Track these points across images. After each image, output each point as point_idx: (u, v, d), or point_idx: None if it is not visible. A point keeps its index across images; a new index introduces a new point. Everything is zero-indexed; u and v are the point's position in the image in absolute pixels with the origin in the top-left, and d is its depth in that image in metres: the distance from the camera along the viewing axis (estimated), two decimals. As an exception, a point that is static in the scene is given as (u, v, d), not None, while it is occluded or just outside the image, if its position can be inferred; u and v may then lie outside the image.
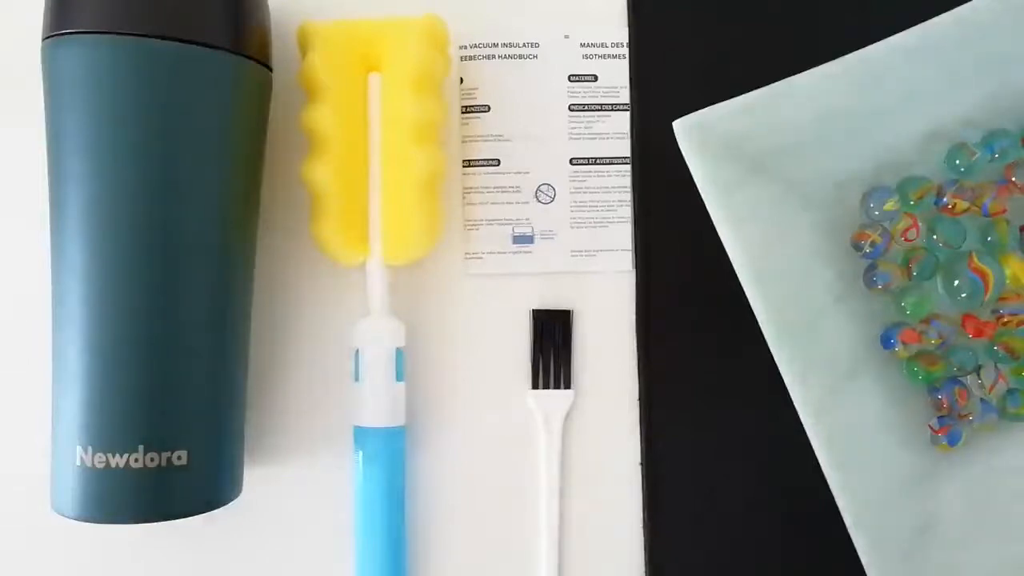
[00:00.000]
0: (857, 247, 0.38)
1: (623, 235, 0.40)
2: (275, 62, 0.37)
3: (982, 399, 0.37)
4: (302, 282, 0.39)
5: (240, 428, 0.36)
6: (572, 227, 0.40)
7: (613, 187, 0.40)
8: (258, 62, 0.35)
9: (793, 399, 0.35)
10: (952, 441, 0.36)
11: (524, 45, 0.40)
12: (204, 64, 0.33)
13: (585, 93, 0.40)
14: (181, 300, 0.33)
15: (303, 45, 0.37)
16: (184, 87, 0.33)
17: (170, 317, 0.33)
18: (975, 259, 0.36)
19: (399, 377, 0.37)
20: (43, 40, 0.33)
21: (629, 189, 0.40)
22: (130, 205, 0.32)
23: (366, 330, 0.37)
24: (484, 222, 0.40)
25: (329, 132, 0.36)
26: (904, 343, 0.36)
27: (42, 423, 0.34)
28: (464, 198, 0.40)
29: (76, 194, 0.32)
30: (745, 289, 0.35)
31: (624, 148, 0.40)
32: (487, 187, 0.40)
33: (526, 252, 0.40)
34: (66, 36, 0.32)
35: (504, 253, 0.40)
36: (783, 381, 0.35)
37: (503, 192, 0.40)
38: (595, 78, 0.40)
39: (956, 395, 0.36)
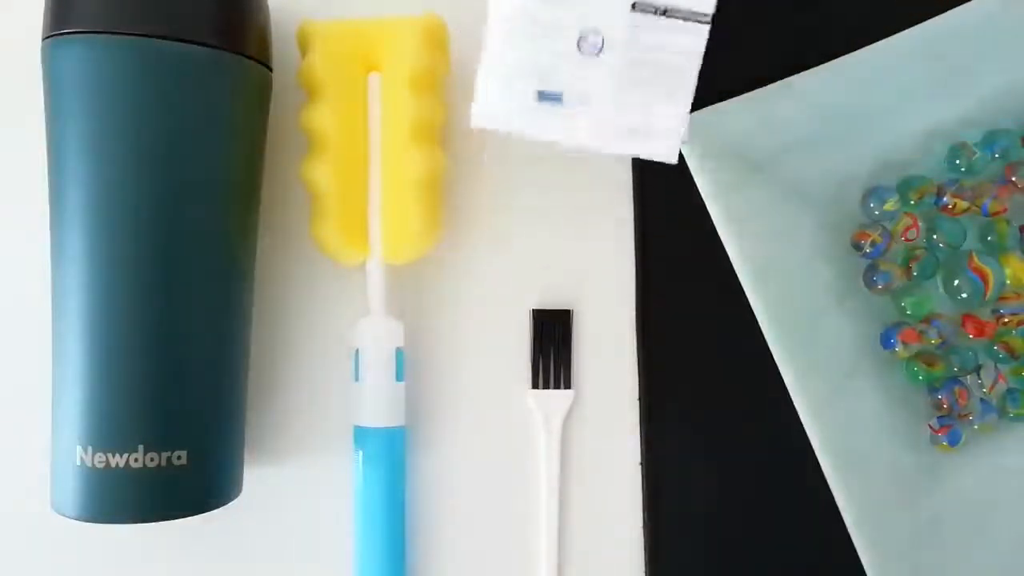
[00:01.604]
0: (857, 247, 0.38)
1: (680, 115, 0.31)
2: (275, 62, 0.37)
3: (982, 399, 0.37)
4: (302, 282, 0.39)
5: (240, 428, 0.36)
6: (618, 95, 0.31)
7: (683, 50, 0.30)
8: (258, 62, 0.35)
9: (793, 399, 0.35)
10: (952, 441, 0.36)
11: None
12: (204, 64, 0.33)
13: None
14: (181, 300, 0.33)
15: (303, 45, 0.37)
16: (184, 87, 0.33)
17: (170, 317, 0.33)
18: (975, 259, 0.36)
19: (399, 377, 0.37)
20: (43, 40, 0.33)
21: (699, 59, 0.31)
22: (130, 205, 0.32)
23: (366, 330, 0.37)
24: (503, 68, 0.31)
25: (329, 132, 0.36)
26: (904, 343, 0.36)
27: (42, 423, 0.34)
28: (483, 38, 0.31)
29: (76, 194, 0.32)
30: (745, 289, 0.35)
31: (707, 2, 0.30)
32: (515, 21, 0.31)
33: (552, 114, 0.31)
34: (66, 36, 0.32)
35: (523, 112, 0.31)
36: (783, 381, 0.35)
37: (534, 35, 0.31)
38: None
39: (956, 395, 0.36)
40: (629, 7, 0.30)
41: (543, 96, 0.31)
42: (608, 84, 0.31)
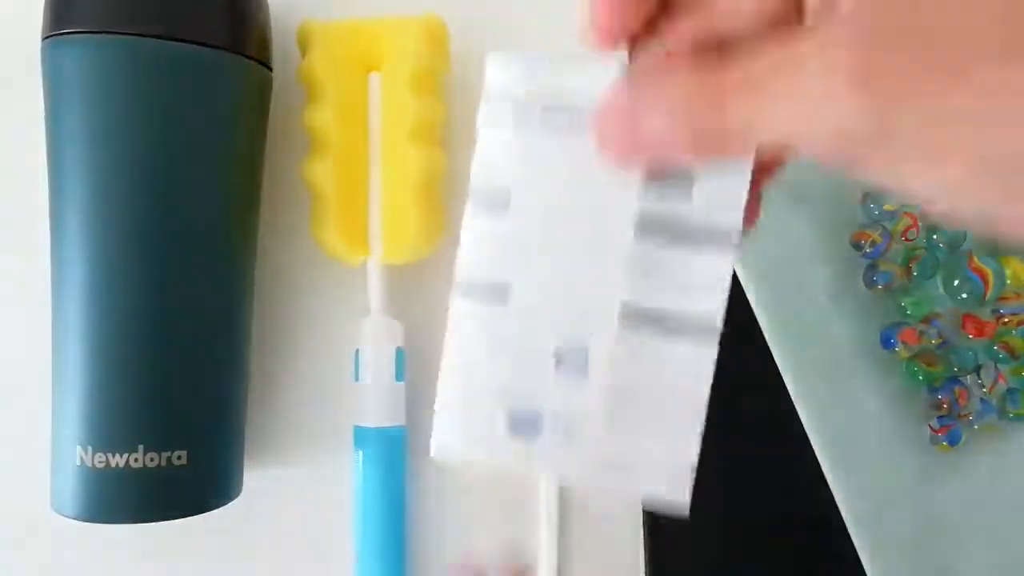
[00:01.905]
0: (857, 247, 0.38)
1: (687, 450, 0.24)
2: (275, 62, 0.37)
3: (982, 399, 0.37)
4: (302, 282, 0.39)
5: (240, 428, 0.36)
6: (607, 424, 0.24)
7: (685, 370, 0.23)
8: (258, 62, 0.35)
9: (793, 400, 0.35)
10: (952, 441, 0.36)
11: (569, 96, 0.23)
12: (204, 64, 0.33)
13: (669, 202, 0.23)
14: (181, 300, 0.33)
15: (303, 44, 0.37)
16: (184, 87, 0.33)
17: (170, 317, 0.33)
18: (975, 259, 0.36)
19: (399, 377, 0.37)
20: (43, 40, 0.33)
21: (708, 379, 0.24)
22: (130, 205, 0.32)
23: (366, 330, 0.37)
24: (466, 392, 0.26)
25: (329, 132, 0.36)
26: (904, 343, 0.36)
27: (42, 423, 0.34)
28: (442, 353, 0.26)
29: (76, 194, 0.32)
30: (745, 289, 0.35)
31: (714, 302, 0.23)
32: (478, 338, 0.26)
33: (526, 448, 0.24)
34: (66, 36, 0.32)
35: (492, 443, 0.25)
36: (783, 381, 0.35)
37: (502, 354, 0.25)
38: (689, 183, 0.23)
39: (956, 395, 0.36)
40: (616, 318, 0.23)
41: (516, 424, 0.24)
42: (596, 411, 0.24)
